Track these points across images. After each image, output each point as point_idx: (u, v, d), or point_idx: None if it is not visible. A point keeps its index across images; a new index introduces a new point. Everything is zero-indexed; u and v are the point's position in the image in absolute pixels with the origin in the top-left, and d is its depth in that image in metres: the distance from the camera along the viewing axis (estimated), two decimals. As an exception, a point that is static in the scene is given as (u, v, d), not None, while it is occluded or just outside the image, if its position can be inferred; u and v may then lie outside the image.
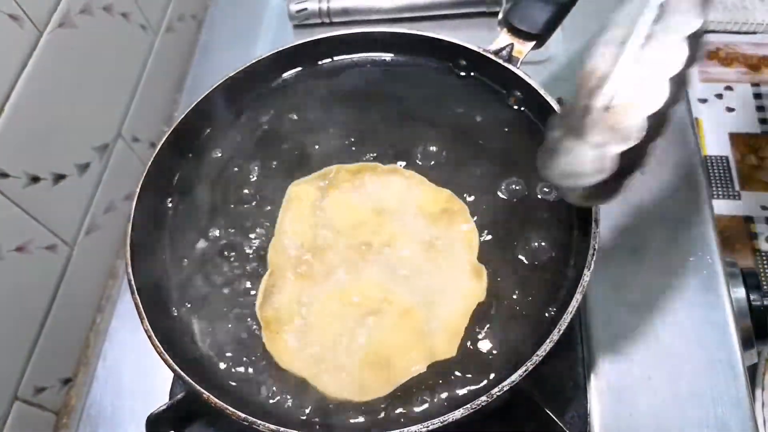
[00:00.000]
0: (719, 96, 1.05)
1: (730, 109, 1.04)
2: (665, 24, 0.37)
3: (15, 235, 0.58)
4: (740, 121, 1.02)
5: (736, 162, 0.97)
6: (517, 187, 0.52)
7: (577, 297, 0.42)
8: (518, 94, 0.56)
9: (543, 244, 0.49)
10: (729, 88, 1.05)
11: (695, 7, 0.36)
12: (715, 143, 1.00)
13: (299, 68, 0.62)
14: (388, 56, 0.62)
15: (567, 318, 0.41)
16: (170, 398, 0.55)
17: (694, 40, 0.36)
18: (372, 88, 0.61)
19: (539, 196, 0.52)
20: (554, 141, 0.41)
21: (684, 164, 0.64)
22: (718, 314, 0.55)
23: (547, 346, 0.40)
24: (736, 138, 1.00)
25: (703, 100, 1.04)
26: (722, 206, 0.93)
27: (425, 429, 0.39)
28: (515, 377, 0.40)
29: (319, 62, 0.63)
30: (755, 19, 1.09)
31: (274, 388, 0.46)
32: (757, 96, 1.04)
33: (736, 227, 0.91)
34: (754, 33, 1.10)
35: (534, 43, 0.57)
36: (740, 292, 0.57)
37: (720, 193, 0.95)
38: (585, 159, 0.39)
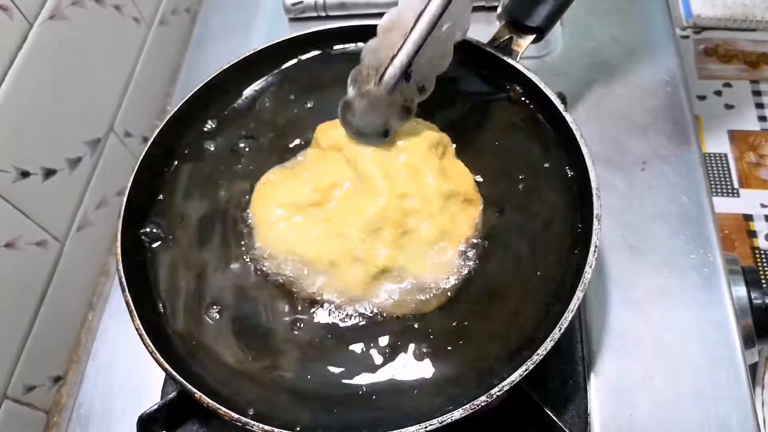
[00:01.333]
0: (718, 93, 1.04)
1: (729, 107, 1.03)
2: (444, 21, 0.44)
3: (4, 231, 0.57)
4: (739, 118, 1.01)
5: (735, 159, 0.96)
6: (519, 185, 0.51)
7: (579, 295, 0.41)
8: (518, 88, 0.55)
9: (542, 241, 0.48)
10: (728, 85, 1.05)
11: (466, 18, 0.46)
12: (714, 141, 0.99)
13: (295, 61, 0.61)
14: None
15: (568, 316, 0.40)
16: (162, 397, 0.54)
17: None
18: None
19: (539, 193, 0.51)
20: (351, 99, 0.47)
21: (684, 161, 0.63)
22: (719, 312, 0.54)
23: (547, 345, 0.39)
24: (735, 135, 0.99)
25: (702, 97, 1.03)
26: (721, 204, 0.92)
27: (423, 429, 0.38)
28: (515, 377, 0.39)
29: (315, 55, 0.61)
30: (755, 16, 1.08)
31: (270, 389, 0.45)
32: (756, 93, 1.03)
33: (735, 225, 0.91)
34: (754, 30, 1.10)
35: (534, 36, 0.56)
36: (741, 290, 0.57)
37: (719, 190, 0.94)
38: (374, 125, 0.47)
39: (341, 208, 0.48)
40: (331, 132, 0.50)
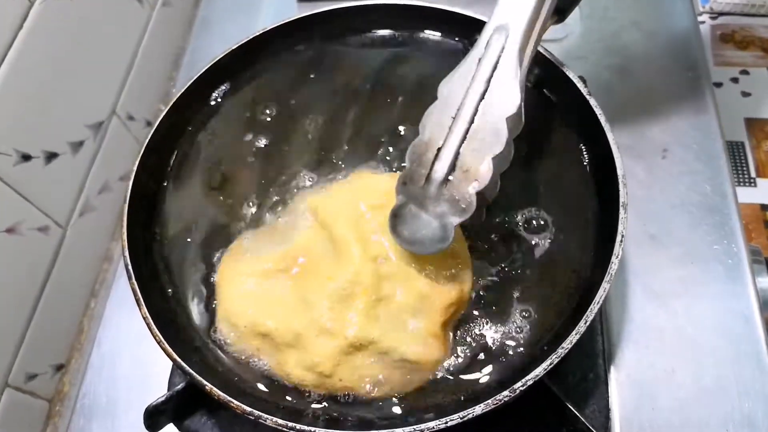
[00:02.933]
0: (735, 80, 1.02)
1: (746, 94, 1.01)
2: (489, 102, 0.41)
3: (5, 216, 0.56)
4: (756, 105, 0.99)
5: (753, 148, 0.95)
6: (540, 173, 0.49)
7: (605, 286, 0.40)
8: (535, 71, 0.53)
9: (563, 230, 0.46)
10: (745, 72, 1.03)
11: (514, 93, 0.40)
12: (731, 129, 0.97)
13: (303, 42, 0.59)
14: (396, 30, 0.59)
15: (594, 308, 0.39)
16: (169, 387, 0.53)
17: (512, 120, 0.40)
18: (378, 65, 0.57)
19: (560, 181, 0.49)
20: (399, 207, 0.42)
21: (706, 149, 0.62)
22: (743, 304, 0.53)
23: (573, 338, 0.38)
24: (752, 123, 0.97)
25: (719, 85, 1.01)
26: (738, 193, 0.91)
27: (443, 425, 0.37)
28: (539, 371, 0.37)
29: (323, 36, 0.59)
30: (773, 1, 1.06)
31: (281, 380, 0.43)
32: (774, 80, 1.02)
33: (752, 215, 0.89)
34: (771, 16, 1.08)
35: (556, 18, 0.54)
36: (765, 282, 0.55)
37: (736, 179, 0.92)
38: (429, 228, 0.41)
39: (310, 275, 0.44)
40: (311, 198, 0.48)
